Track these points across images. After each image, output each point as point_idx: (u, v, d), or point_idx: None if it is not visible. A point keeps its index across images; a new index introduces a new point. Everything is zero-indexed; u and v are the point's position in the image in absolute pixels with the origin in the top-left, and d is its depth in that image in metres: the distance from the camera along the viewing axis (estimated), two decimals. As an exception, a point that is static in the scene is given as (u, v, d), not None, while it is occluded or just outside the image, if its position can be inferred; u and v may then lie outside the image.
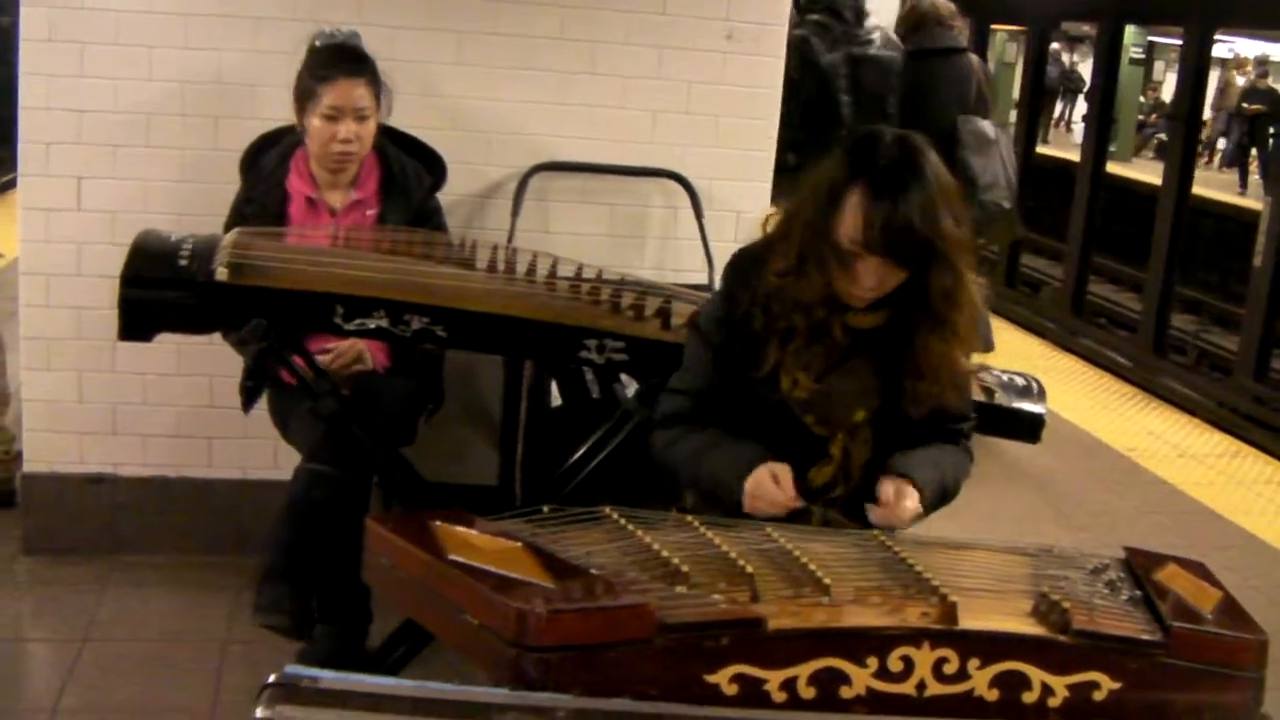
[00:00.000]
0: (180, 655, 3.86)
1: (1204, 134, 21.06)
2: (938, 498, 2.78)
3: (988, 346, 5.32)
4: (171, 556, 4.38)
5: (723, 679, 2.02)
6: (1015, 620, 2.24)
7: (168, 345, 3.92)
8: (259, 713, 1.80)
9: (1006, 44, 22.66)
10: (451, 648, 2.20)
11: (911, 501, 2.66)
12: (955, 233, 2.60)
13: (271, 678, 1.86)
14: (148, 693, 3.67)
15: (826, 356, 2.74)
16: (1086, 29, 21.67)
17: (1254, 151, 20.25)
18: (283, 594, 3.34)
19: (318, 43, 3.73)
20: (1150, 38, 24.57)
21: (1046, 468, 6.05)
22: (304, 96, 3.64)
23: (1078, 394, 7.77)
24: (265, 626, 3.39)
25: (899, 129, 2.69)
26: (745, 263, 2.85)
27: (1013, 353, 8.07)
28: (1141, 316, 11.70)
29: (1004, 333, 8.78)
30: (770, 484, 2.66)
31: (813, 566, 2.27)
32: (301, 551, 3.40)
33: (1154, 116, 24.73)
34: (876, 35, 5.92)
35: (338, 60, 3.65)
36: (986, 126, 5.96)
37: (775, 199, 4.49)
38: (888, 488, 2.67)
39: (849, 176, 2.59)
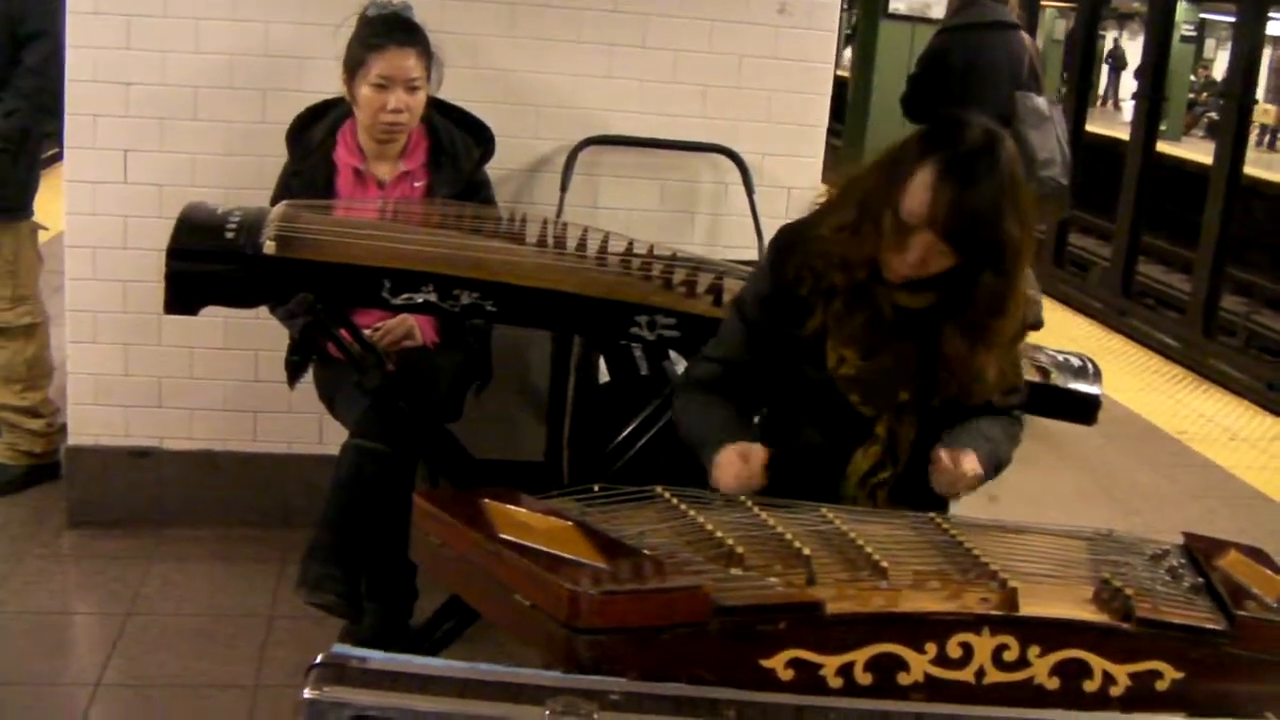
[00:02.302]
0: (225, 629, 3.86)
1: None
2: (991, 468, 2.73)
3: (1037, 324, 5.26)
4: (216, 530, 4.39)
5: (779, 664, 1.98)
6: (1077, 607, 2.19)
7: (214, 319, 3.91)
8: (307, 693, 1.78)
9: (1055, 20, 22.50)
10: (501, 628, 2.16)
11: (971, 462, 2.61)
12: (1016, 236, 2.53)
13: (319, 658, 1.83)
14: (192, 667, 3.66)
15: (872, 332, 2.69)
16: (1137, 5, 21.47)
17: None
18: (332, 572, 3.31)
19: (369, 12, 3.70)
20: (1202, 14, 24.36)
21: (1096, 450, 6.00)
22: (354, 65, 3.62)
23: (1127, 375, 7.70)
24: (315, 605, 3.35)
25: (983, 119, 2.62)
26: (790, 236, 2.80)
27: (1060, 333, 8.02)
28: (1191, 298, 11.58)
29: (1052, 313, 8.70)
30: (735, 459, 2.59)
31: (869, 549, 2.22)
32: (350, 528, 3.37)
33: (1204, 95, 24.52)
34: None
35: (389, 30, 3.62)
36: (1042, 103, 5.91)
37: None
38: (943, 453, 2.62)
39: (925, 151, 2.53)
